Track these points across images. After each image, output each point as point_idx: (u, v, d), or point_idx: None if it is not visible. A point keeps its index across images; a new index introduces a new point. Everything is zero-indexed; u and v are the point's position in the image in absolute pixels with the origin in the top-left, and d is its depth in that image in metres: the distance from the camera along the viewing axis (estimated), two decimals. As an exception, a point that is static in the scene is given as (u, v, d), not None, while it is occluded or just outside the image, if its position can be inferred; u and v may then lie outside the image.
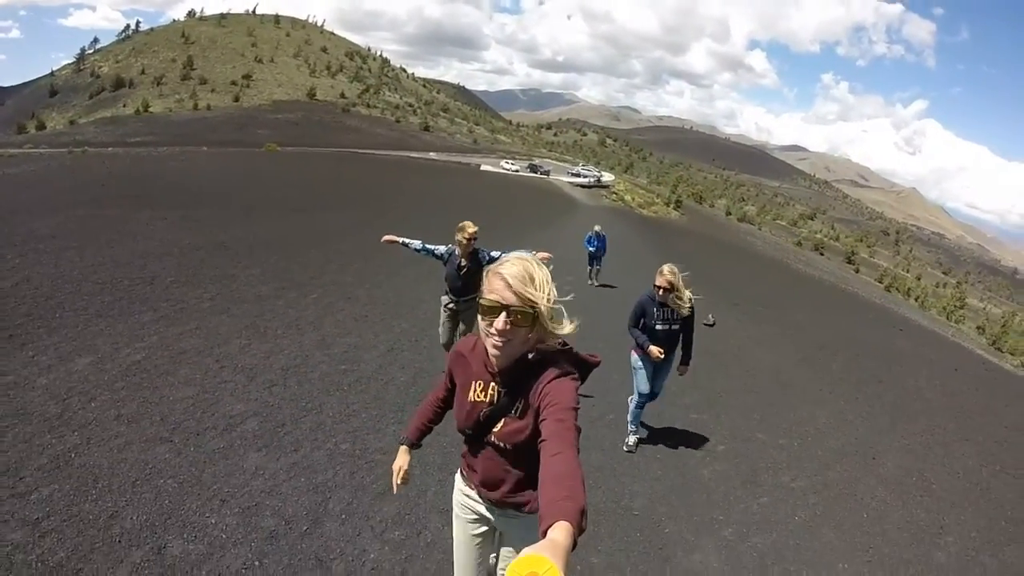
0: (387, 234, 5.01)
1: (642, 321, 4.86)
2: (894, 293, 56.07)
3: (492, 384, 1.89)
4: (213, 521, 3.34)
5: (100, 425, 4.16)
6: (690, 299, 4.81)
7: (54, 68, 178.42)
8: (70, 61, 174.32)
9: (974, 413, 8.85)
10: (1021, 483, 6.17)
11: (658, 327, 4.79)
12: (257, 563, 3.09)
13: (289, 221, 15.54)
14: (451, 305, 5.41)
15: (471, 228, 4.99)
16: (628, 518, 4.13)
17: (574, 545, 1.10)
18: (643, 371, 5.01)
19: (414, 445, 2.31)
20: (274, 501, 3.61)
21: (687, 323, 4.93)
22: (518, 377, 1.80)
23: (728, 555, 3.94)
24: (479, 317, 1.73)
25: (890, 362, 11.76)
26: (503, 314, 1.65)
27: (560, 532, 1.10)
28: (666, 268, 4.74)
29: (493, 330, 1.68)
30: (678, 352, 5.06)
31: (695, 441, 5.64)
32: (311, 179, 30.92)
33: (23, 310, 6.30)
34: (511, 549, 2.12)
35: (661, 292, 4.68)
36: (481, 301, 1.70)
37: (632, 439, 5.23)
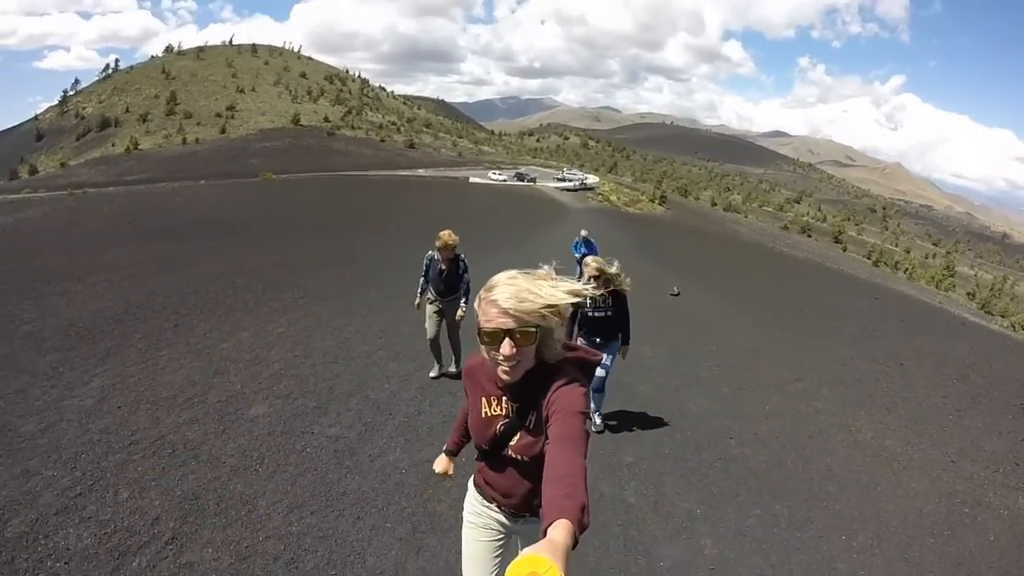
0: (415, 299, 6.51)
1: (578, 312, 5.24)
2: (882, 268, 56.29)
3: (504, 398, 1.94)
4: (386, 386, 6.26)
5: (287, 360, 6.86)
6: (622, 278, 5.19)
7: (37, 112, 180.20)
8: (52, 104, 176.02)
9: (881, 338, 11.62)
10: (879, 366, 9.28)
11: (591, 315, 5.28)
12: (420, 396, 6.02)
13: (320, 244, 17.48)
14: (436, 303, 6.35)
15: (450, 238, 5.87)
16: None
17: (576, 543, 1.17)
18: None
19: (453, 454, 2.61)
20: (414, 379, 6.50)
21: (620, 308, 5.33)
22: (528, 389, 1.84)
23: (655, 388, 6.98)
24: (481, 345, 1.78)
25: (832, 315, 14.29)
26: (506, 340, 1.67)
27: (560, 532, 1.16)
28: (590, 259, 5.15)
29: (500, 357, 1.70)
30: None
31: (647, 349, 8.45)
32: (316, 205, 32.75)
33: (170, 310, 8.65)
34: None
35: (594, 282, 4.75)
36: (481, 329, 1.72)
37: (598, 419, 5.77)
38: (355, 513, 4.01)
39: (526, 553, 0.98)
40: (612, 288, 5.12)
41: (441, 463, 2.60)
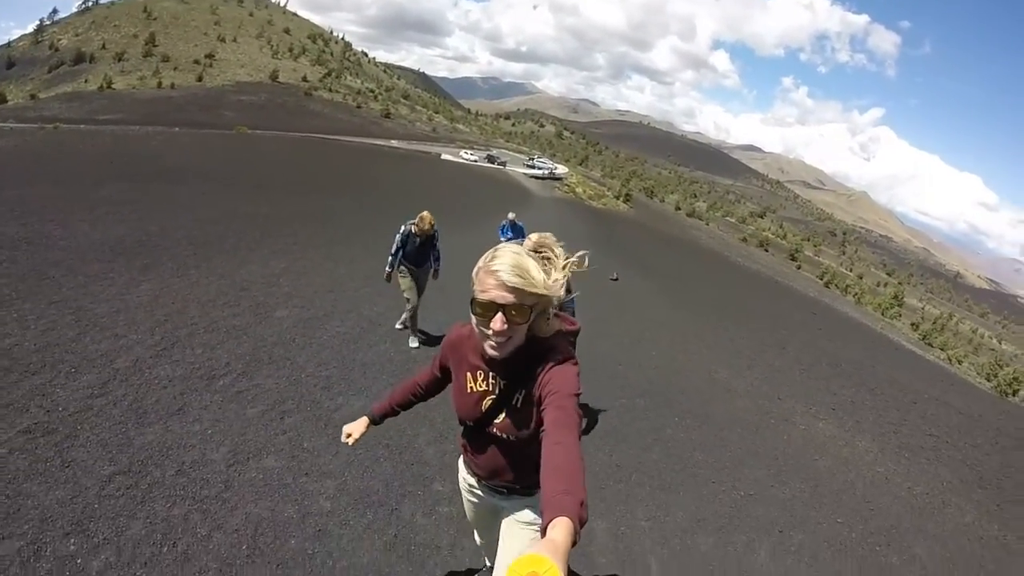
0: (387, 270, 6.95)
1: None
2: (832, 289, 57.65)
3: (491, 374, 1.90)
4: (375, 309, 8.22)
5: (293, 286, 8.69)
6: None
7: (9, 39, 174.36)
8: (26, 32, 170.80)
9: (782, 332, 13.88)
10: (763, 346, 11.59)
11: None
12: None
13: (302, 201, 18.33)
14: (410, 274, 6.95)
15: (429, 220, 6.65)
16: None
17: (576, 539, 1.17)
18: None
19: (376, 422, 2.43)
20: (397, 308, 8.10)
21: None
22: (516, 366, 1.80)
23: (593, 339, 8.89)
24: (472, 316, 1.73)
25: (753, 315, 16.47)
26: (499, 314, 1.63)
27: (560, 531, 1.16)
28: (534, 235, 5.83)
29: (490, 331, 1.67)
30: None
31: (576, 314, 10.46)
32: (294, 164, 32.95)
33: (185, 242, 10.00)
34: (513, 520, 2.14)
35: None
36: (476, 299, 1.68)
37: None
38: (362, 370, 6.08)
39: (527, 553, 0.99)
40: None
41: (356, 427, 2.40)
